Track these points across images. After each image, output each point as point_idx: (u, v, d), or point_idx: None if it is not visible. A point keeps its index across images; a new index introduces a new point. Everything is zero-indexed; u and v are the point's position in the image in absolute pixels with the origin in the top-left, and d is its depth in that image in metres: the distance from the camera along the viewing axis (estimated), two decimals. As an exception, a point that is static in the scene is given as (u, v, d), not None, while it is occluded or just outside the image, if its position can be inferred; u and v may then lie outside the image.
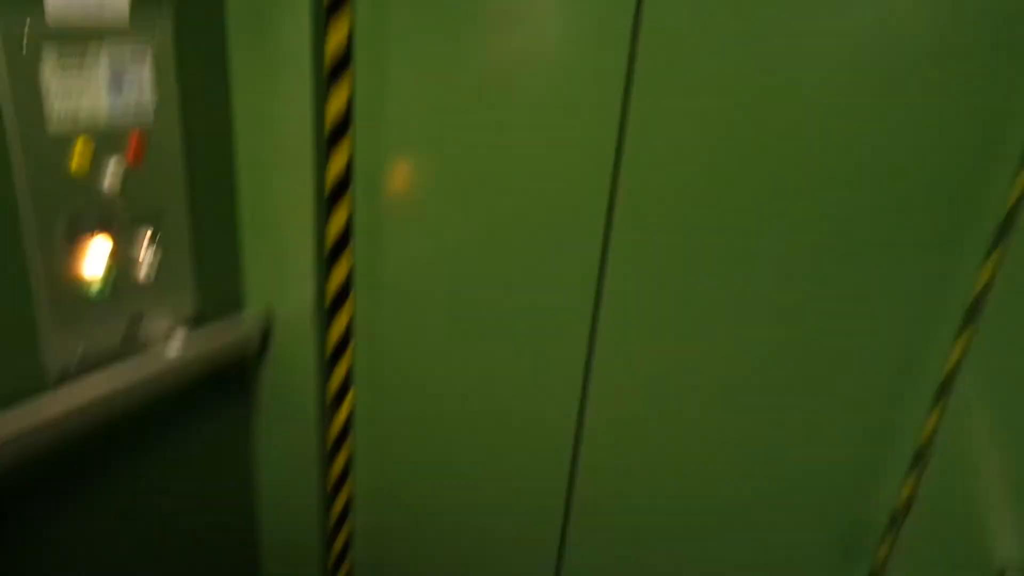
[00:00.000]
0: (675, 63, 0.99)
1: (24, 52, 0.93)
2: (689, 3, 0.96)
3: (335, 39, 1.15)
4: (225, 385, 1.40)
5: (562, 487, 1.27)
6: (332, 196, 1.25)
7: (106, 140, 1.05)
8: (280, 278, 1.32)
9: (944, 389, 0.96)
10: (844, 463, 1.06)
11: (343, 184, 1.26)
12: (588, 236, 1.11)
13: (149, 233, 1.14)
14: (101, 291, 1.08)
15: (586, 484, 1.25)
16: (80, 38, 0.99)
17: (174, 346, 1.20)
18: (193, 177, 1.19)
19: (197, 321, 1.27)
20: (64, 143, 1.00)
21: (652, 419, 1.16)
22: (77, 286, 1.07)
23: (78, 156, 1.01)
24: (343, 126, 1.21)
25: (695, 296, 1.07)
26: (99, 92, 1.03)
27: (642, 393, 1.16)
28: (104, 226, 1.08)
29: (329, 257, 1.30)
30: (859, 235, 0.97)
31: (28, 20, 0.93)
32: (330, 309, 1.34)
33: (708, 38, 0.96)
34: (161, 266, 1.16)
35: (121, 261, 1.12)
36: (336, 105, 1.19)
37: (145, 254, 1.14)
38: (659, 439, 1.16)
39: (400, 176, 1.23)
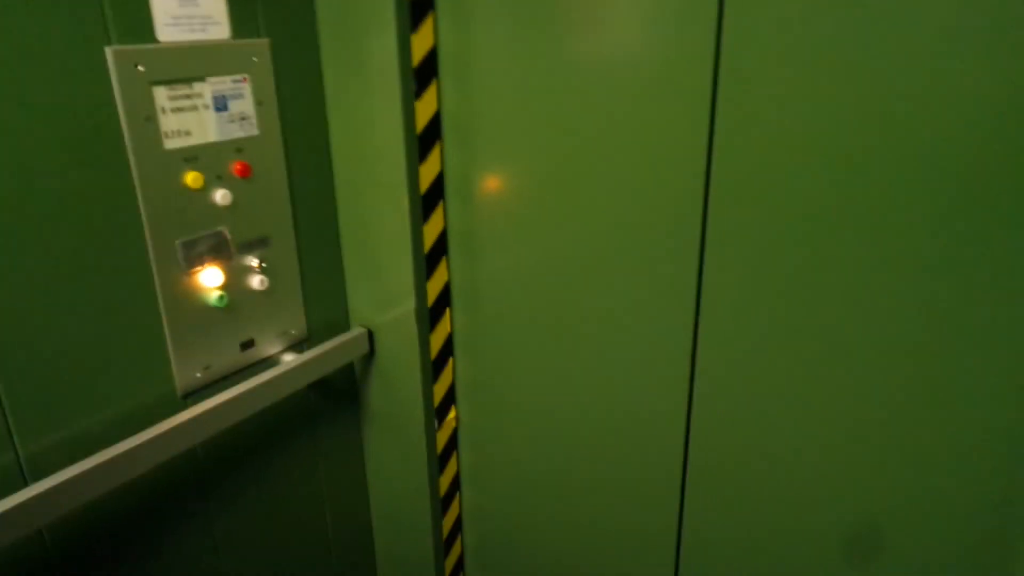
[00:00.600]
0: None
1: (138, 76, 0.94)
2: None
3: (420, 50, 1.14)
4: (335, 400, 1.41)
5: (675, 496, 1.22)
6: (426, 207, 1.25)
7: (215, 158, 1.06)
8: (381, 292, 1.33)
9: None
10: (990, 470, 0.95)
11: (436, 195, 1.25)
12: (685, 232, 1.05)
13: (260, 251, 1.15)
14: (221, 298, 1.09)
15: (696, 484, 1.20)
16: (186, 59, 1.00)
17: (287, 364, 1.20)
18: (296, 195, 1.20)
19: (308, 338, 1.28)
20: (177, 162, 1.01)
21: (763, 419, 1.09)
22: (198, 302, 1.07)
23: (191, 174, 1.02)
24: (432, 137, 1.21)
25: (795, 294, 0.99)
26: (206, 112, 1.04)
27: (750, 394, 1.09)
28: (219, 242, 1.08)
29: (427, 268, 1.29)
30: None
31: (139, 45, 0.95)
32: (431, 319, 1.33)
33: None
34: (272, 284, 1.17)
35: (235, 278, 1.12)
36: (424, 115, 1.19)
37: (257, 272, 1.14)
38: (773, 439, 1.09)
39: (491, 186, 1.21)
